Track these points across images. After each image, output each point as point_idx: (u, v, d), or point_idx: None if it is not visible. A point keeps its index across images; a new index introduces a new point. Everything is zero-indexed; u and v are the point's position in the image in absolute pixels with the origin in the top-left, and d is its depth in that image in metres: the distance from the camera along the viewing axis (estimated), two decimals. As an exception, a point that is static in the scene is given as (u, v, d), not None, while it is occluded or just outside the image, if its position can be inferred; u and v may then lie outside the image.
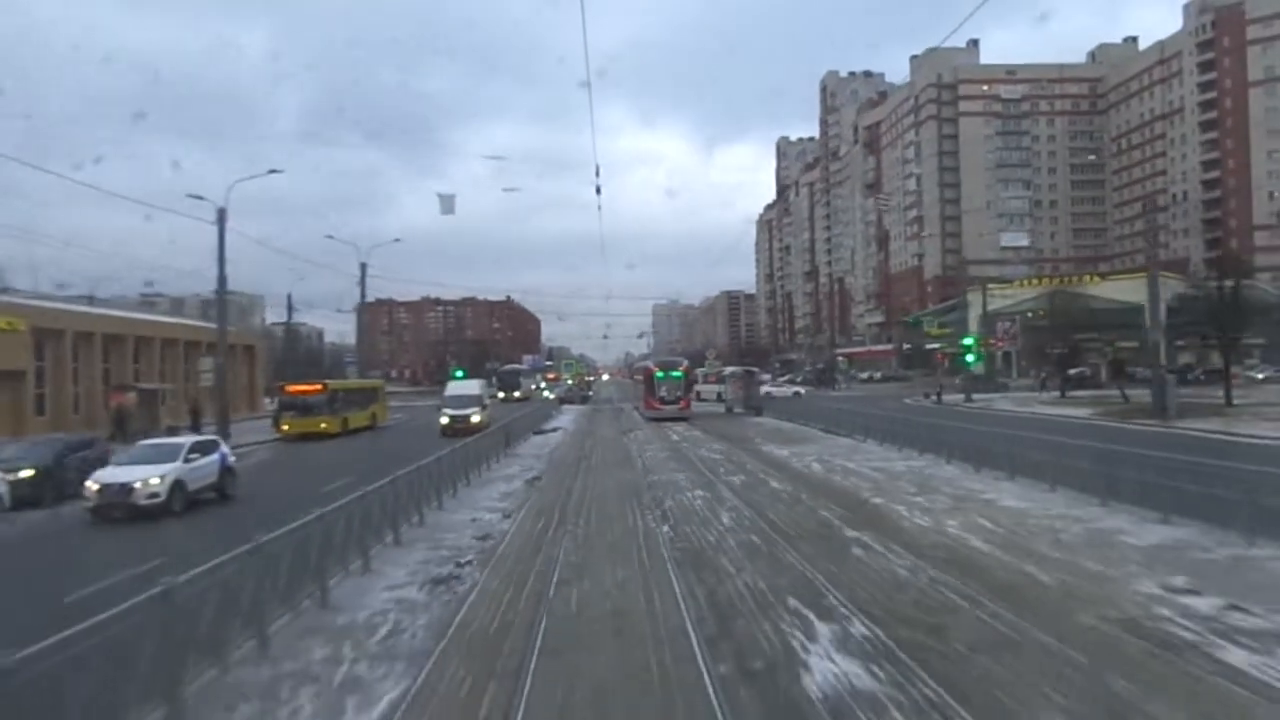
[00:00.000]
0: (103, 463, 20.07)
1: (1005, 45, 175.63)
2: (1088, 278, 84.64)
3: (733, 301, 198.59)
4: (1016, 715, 6.21)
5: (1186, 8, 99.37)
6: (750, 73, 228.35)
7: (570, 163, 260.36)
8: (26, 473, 19.00)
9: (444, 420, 35.27)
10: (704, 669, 7.26)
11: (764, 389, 67.89)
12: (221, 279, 32.73)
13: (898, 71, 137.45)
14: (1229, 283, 40.78)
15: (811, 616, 8.66)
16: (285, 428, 37.25)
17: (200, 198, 31.99)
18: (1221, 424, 30.59)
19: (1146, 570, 10.09)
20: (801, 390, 68.09)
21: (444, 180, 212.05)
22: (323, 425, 37.29)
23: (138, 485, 16.84)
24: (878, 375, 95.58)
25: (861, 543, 12.32)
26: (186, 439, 20.37)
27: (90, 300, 50.90)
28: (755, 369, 57.36)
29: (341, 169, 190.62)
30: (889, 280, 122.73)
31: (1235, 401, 38.37)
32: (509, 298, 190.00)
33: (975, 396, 50.85)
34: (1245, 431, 27.60)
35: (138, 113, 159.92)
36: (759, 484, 19.02)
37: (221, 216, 32.75)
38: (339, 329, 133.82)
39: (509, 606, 9.52)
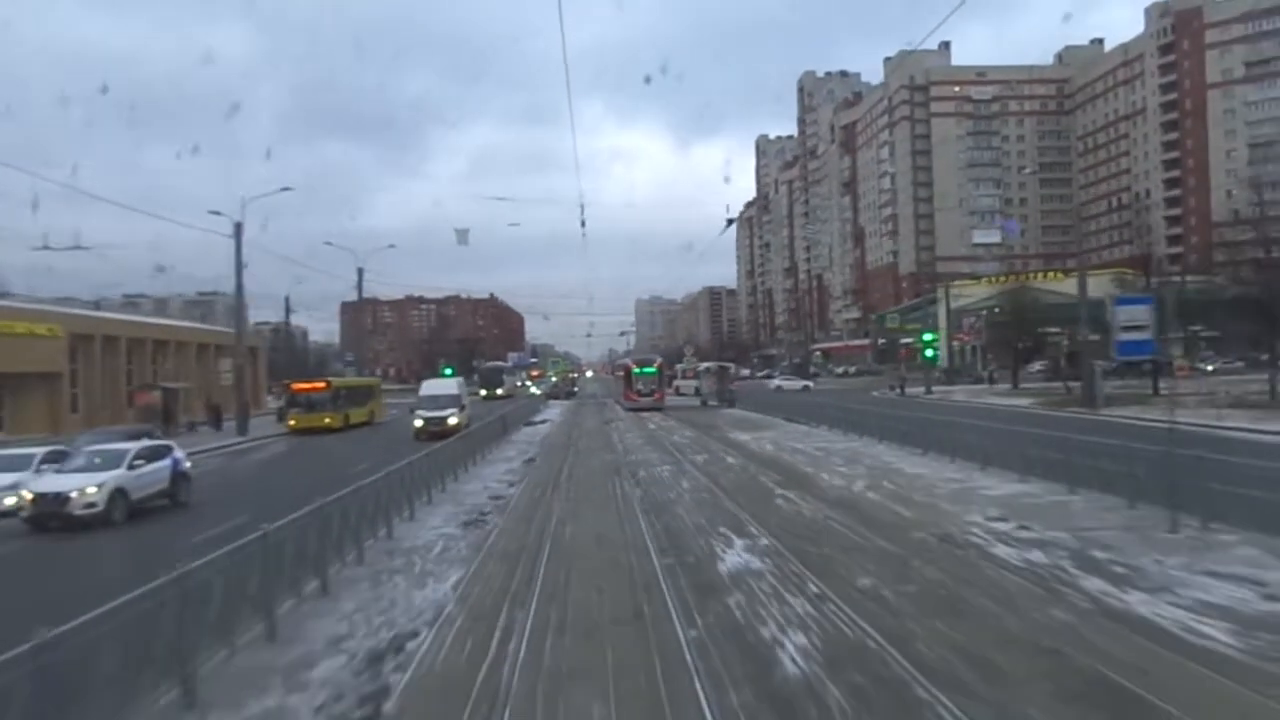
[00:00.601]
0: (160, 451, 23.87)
1: (977, 43, 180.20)
2: (1054, 274, 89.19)
3: (714, 297, 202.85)
4: (843, 578, 10.27)
5: (1148, 11, 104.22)
6: (732, 70, 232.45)
7: (552, 161, 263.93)
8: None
9: (418, 423, 33.31)
10: (656, 562, 11.30)
11: (774, 383, 72.88)
12: (239, 289, 36.51)
13: (875, 67, 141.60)
14: (1176, 280, 45.27)
15: (733, 536, 12.74)
16: (293, 423, 40.92)
17: (218, 213, 35.70)
18: (1136, 411, 34.90)
19: (981, 509, 14.20)
20: (810, 384, 72.66)
21: (425, 179, 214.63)
22: (327, 420, 41.00)
23: (74, 495, 16.00)
24: (852, 370, 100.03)
25: (786, 497, 16.43)
26: (133, 445, 18.97)
27: (69, 301, 54.34)
28: (729, 365, 61.65)
29: (321, 168, 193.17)
30: (865, 277, 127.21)
31: (1161, 392, 42.79)
32: (493, 296, 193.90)
33: (935, 389, 55.17)
34: (1150, 416, 31.86)
35: (121, 113, 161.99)
36: (717, 460, 23.14)
37: (238, 231, 36.59)
38: (325, 327, 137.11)
39: (522, 536, 13.54)
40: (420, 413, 34.24)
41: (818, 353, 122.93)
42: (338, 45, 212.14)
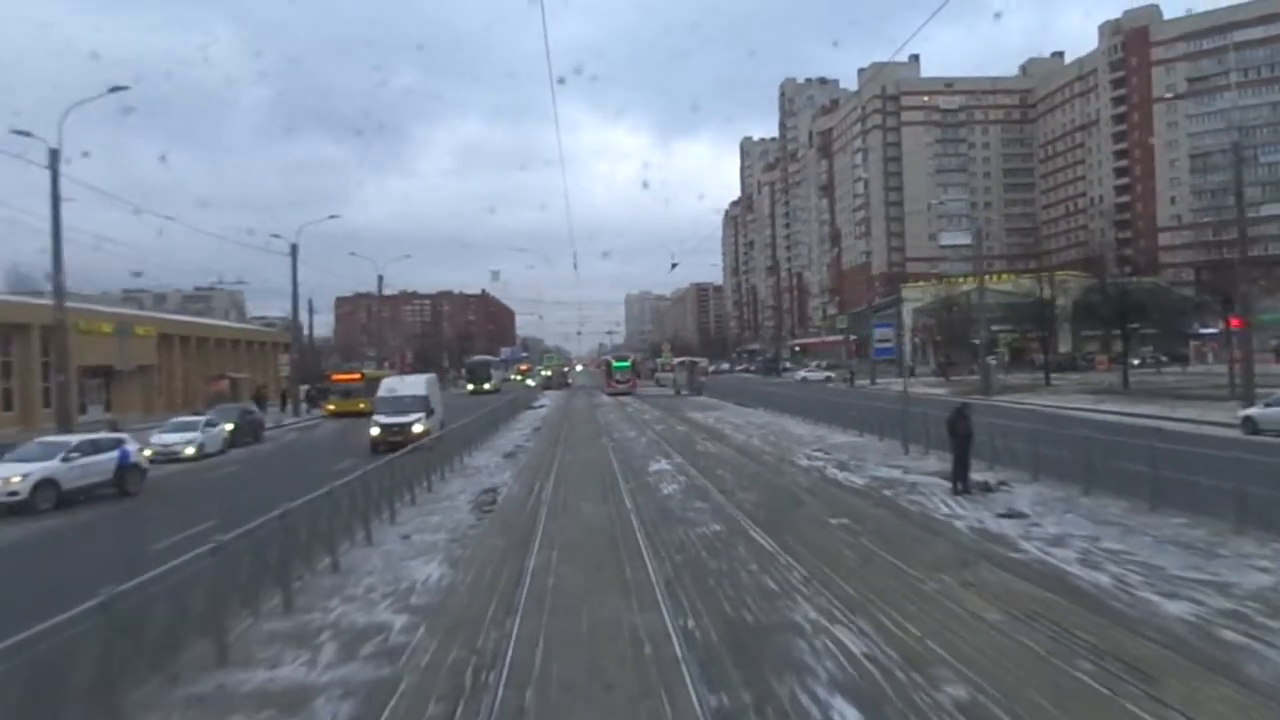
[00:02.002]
0: (260, 425, 33.93)
1: (949, 49, 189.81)
2: (1006, 276, 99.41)
3: (701, 293, 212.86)
4: (708, 471, 20.34)
5: (1101, 28, 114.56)
6: (726, 69, 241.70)
7: (541, 157, 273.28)
8: (229, 426, 32.37)
9: (374, 430, 28.05)
10: (616, 469, 21.44)
11: (800, 374, 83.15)
12: (294, 303, 46.37)
13: (854, 64, 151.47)
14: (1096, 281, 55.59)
15: (661, 459, 23.03)
16: (331, 407, 50.67)
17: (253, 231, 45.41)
18: (1015, 397, 44.98)
19: (814, 448, 24.26)
20: (832, 375, 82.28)
21: (411, 176, 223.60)
22: (361, 405, 50.63)
23: None
24: (823, 364, 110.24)
25: (704, 444, 26.68)
26: (75, 438, 20.97)
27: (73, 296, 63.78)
28: (698, 360, 71.99)
29: (306, 164, 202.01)
30: (841, 275, 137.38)
31: (1053, 382, 53.14)
32: (484, 291, 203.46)
33: (879, 380, 65.32)
34: (1027, 401, 41.74)
35: (119, 110, 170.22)
36: (670, 429, 33.33)
37: (294, 252, 46.45)
38: (319, 320, 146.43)
39: (543, 459, 23.77)
40: (378, 418, 28.67)
41: (797, 347, 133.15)
42: (323, 45, 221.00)
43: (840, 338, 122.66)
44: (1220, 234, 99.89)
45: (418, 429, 27.33)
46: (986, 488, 15.76)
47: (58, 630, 6.06)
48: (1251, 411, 27.20)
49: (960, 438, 15.77)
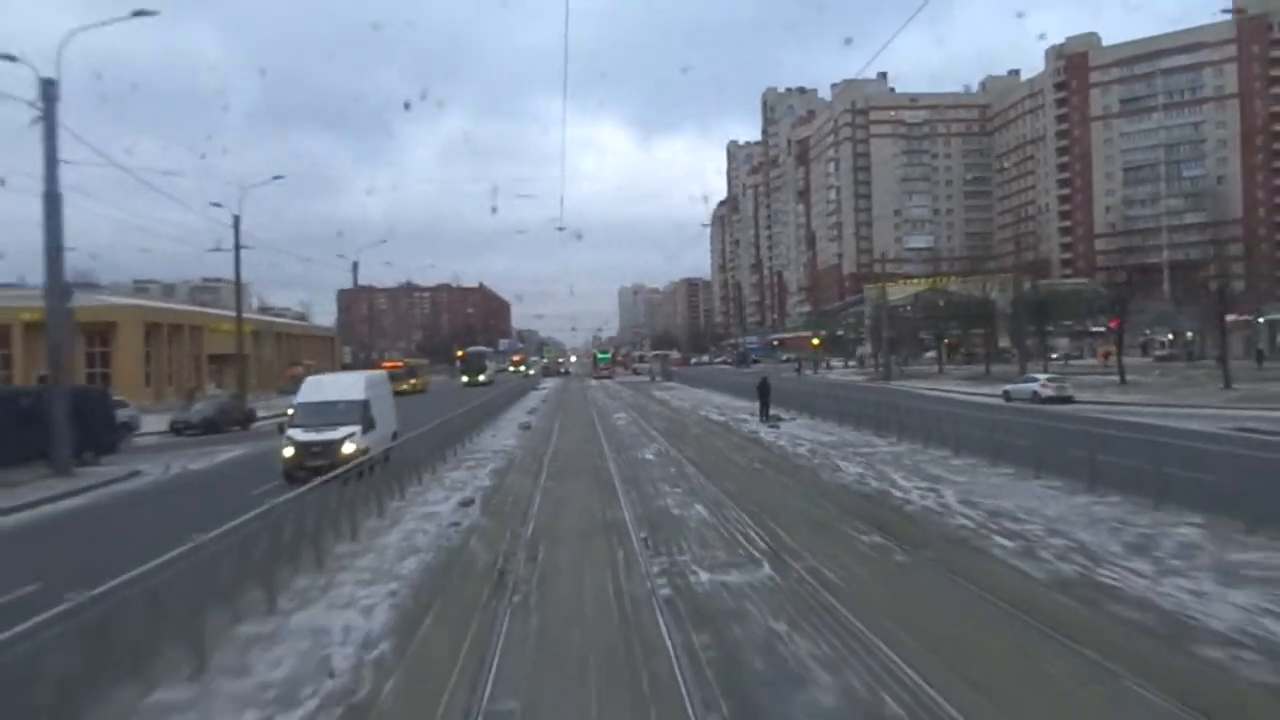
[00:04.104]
0: None
1: (916, 59, 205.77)
2: (953, 278, 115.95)
3: (691, 288, 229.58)
4: (651, 417, 37.03)
5: (1047, 52, 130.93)
6: (724, 70, 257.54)
7: (535, 152, 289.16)
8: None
9: (287, 450, 20.78)
10: (597, 423, 38.07)
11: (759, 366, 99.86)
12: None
13: (844, 68, 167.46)
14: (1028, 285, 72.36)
15: (622, 413, 39.78)
16: (379, 390, 67.34)
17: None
18: (901, 383, 61.53)
19: (716, 407, 40.92)
20: (800, 366, 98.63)
21: (395, 169, 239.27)
22: (403, 387, 67.42)
23: None
24: (793, 357, 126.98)
25: (652, 407, 43.41)
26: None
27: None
28: (669, 353, 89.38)
29: (299, 159, 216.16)
30: (816, 275, 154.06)
31: (945, 370, 69.97)
32: (481, 284, 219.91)
33: (821, 370, 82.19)
34: (904, 384, 58.35)
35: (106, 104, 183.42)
36: (635, 400, 50.09)
37: (355, 269, 62.92)
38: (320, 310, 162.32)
39: (552, 418, 40.37)
40: (294, 432, 21.42)
41: (775, 341, 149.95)
42: (313, 43, 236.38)
43: (809, 333, 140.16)
44: (1148, 240, 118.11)
45: (348, 448, 20.36)
46: (777, 419, 32.40)
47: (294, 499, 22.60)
48: (1008, 388, 43.98)
49: (763, 393, 32.44)
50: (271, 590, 10.04)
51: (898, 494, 16.35)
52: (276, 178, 54.46)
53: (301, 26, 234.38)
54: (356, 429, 21.18)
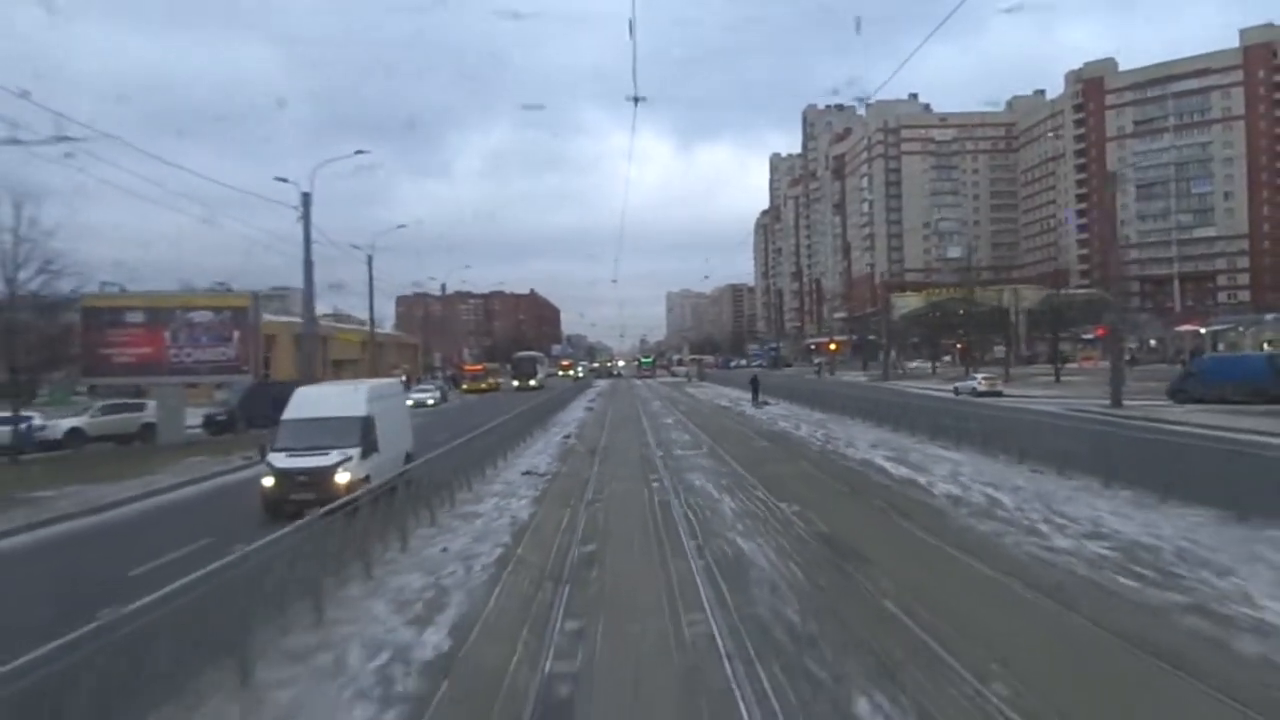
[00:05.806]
0: (443, 396, 67.32)
1: (948, 75, 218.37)
2: (978, 289, 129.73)
3: (736, 293, 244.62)
4: (678, 405, 52.75)
5: (1066, 76, 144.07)
6: (774, 82, 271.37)
7: (580, 163, 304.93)
8: (437, 394, 65.09)
9: (266, 482, 17.51)
10: (640, 409, 53.80)
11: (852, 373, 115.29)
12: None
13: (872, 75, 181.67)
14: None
15: (658, 403, 55.75)
16: (465, 388, 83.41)
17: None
18: (895, 382, 76.19)
19: (730, 401, 56.44)
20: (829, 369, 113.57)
21: (443, 177, 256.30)
22: (483, 386, 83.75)
23: None
24: (825, 361, 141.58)
25: (683, 401, 59.20)
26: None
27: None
28: (704, 357, 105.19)
29: (352, 167, 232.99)
30: (851, 282, 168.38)
31: (937, 371, 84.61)
32: (533, 291, 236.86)
33: (838, 372, 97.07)
34: (896, 384, 73.05)
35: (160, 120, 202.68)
36: (671, 396, 65.85)
37: (443, 290, 79.54)
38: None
39: (604, 406, 56.17)
40: (275, 457, 17.96)
41: (811, 345, 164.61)
42: (364, 58, 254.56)
43: (843, 338, 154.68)
44: (1161, 253, 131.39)
45: (342, 478, 16.99)
46: (765, 404, 47.89)
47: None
48: (957, 384, 58.87)
49: (755, 385, 48.10)
50: (579, 394, 26.48)
51: (794, 433, 31.94)
52: (359, 152, 54.22)
53: (350, 46, 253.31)
54: (354, 452, 17.68)
